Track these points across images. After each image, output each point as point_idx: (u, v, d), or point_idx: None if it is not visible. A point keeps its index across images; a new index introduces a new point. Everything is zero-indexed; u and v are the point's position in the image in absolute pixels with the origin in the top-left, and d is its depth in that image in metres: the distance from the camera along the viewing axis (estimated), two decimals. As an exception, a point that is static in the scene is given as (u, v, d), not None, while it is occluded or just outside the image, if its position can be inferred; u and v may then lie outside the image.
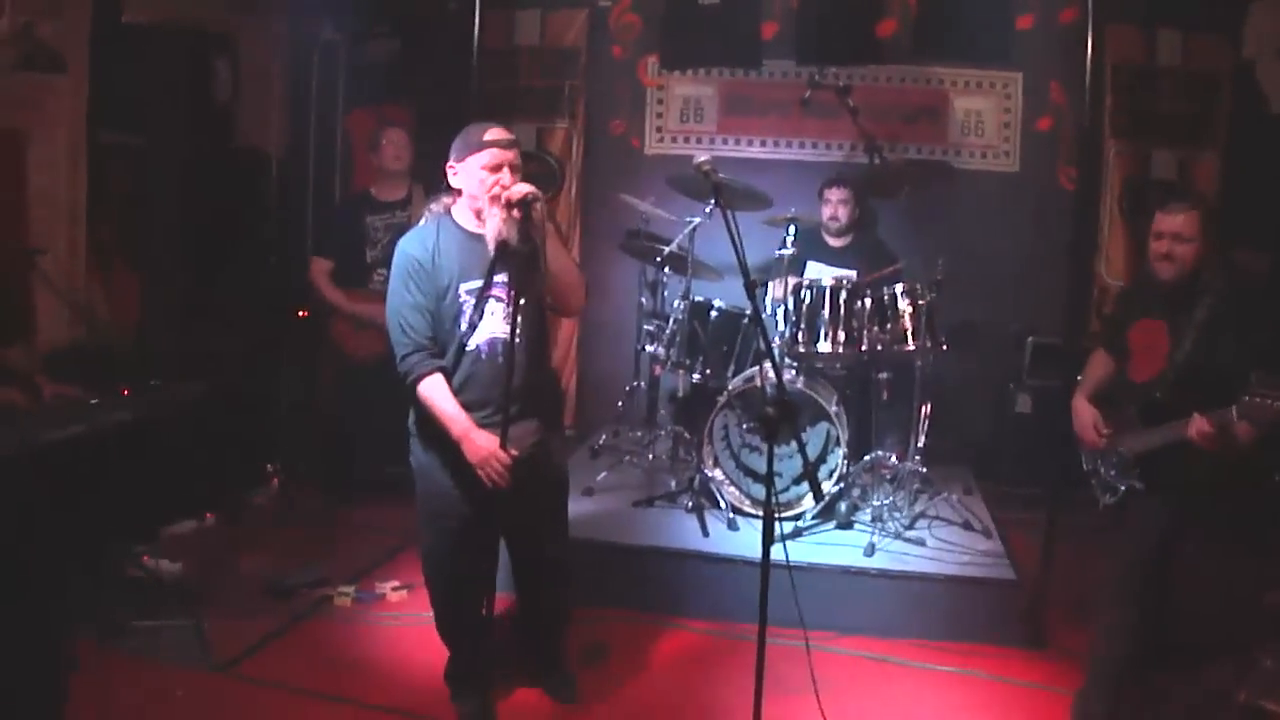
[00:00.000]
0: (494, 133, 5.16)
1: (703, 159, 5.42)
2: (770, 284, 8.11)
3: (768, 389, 7.27)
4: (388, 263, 8.06)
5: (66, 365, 7.40)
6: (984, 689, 6.38)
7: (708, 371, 8.09)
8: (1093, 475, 5.96)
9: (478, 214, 5.18)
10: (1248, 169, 9.34)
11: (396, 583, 7.36)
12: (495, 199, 5.03)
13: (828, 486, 7.69)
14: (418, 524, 5.57)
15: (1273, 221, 8.68)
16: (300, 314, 9.38)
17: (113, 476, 6.50)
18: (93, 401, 6.82)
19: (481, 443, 5.06)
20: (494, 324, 5.18)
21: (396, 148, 8.58)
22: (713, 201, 7.53)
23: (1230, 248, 6.34)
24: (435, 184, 8.15)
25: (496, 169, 5.08)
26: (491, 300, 5.17)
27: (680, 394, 8.60)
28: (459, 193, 5.28)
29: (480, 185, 5.11)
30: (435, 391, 5.15)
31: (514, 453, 5.07)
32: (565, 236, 10.19)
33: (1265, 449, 5.39)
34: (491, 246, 5.07)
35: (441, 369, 5.18)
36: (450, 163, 5.24)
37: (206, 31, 9.16)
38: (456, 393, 5.18)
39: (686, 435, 8.51)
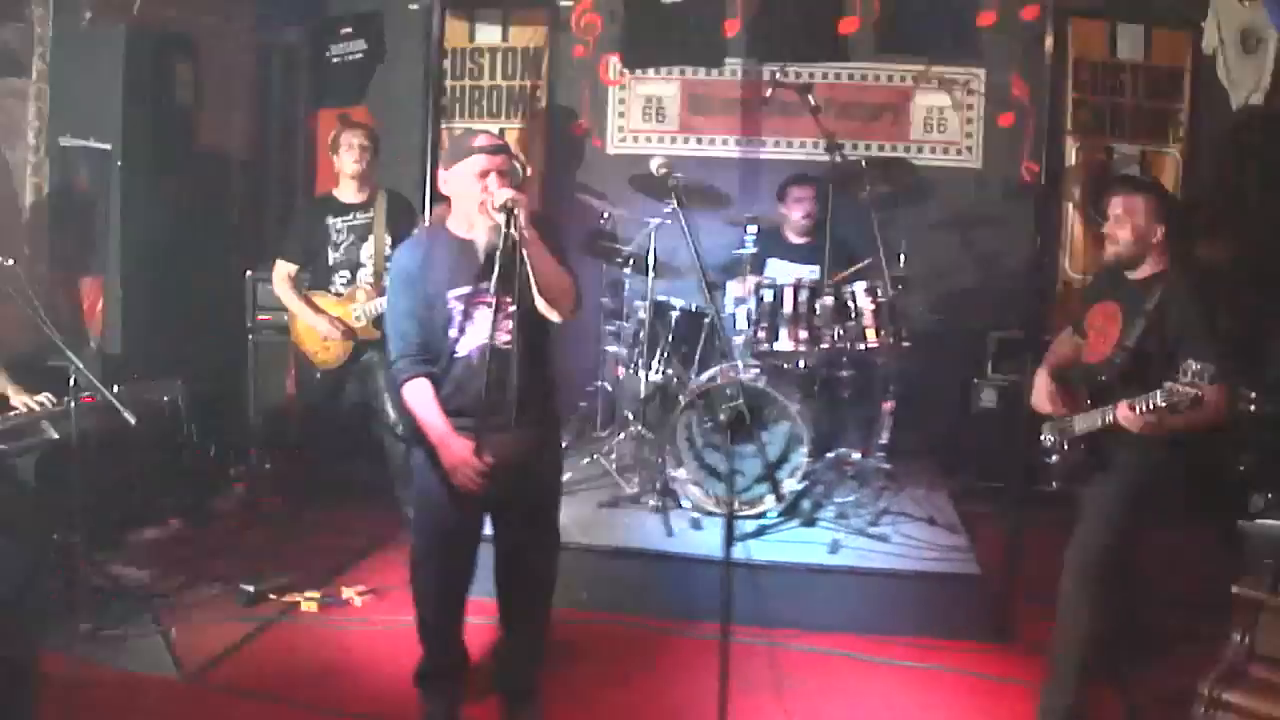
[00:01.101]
0: (482, 139, 5.19)
1: (660, 160, 5.47)
2: (731, 283, 8.12)
3: (728, 389, 7.30)
4: (349, 265, 8.13)
5: (29, 374, 7.37)
6: (950, 684, 6.39)
7: (669, 372, 8.11)
8: (1047, 454, 6.02)
9: (467, 220, 5.20)
10: (1209, 163, 9.38)
11: (362, 587, 7.30)
12: (483, 205, 5.03)
13: (791, 484, 7.67)
14: (412, 520, 5.64)
15: (1234, 214, 8.73)
16: (263, 318, 9.34)
17: (76, 484, 6.48)
18: (56, 409, 6.80)
19: (456, 449, 5.08)
20: (483, 330, 5.15)
21: (356, 150, 8.53)
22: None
23: (1193, 240, 6.39)
24: (398, 186, 8.20)
25: (484, 175, 5.08)
26: (482, 307, 5.17)
27: (643, 394, 8.55)
28: (449, 200, 5.30)
29: (469, 191, 5.12)
30: (417, 396, 5.20)
31: (489, 460, 5.06)
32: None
33: (1222, 439, 5.50)
34: (480, 253, 5.10)
35: (428, 375, 5.22)
36: (440, 170, 5.27)
37: (169, 34, 9.11)
38: (448, 399, 5.22)
39: (650, 436, 8.43)
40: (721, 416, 4.71)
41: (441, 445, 5.12)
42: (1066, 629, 5.70)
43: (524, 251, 4.99)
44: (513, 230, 4.95)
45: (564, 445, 9.04)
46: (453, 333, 5.19)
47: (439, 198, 5.42)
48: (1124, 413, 5.32)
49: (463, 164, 5.13)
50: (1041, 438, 6.08)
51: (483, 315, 5.16)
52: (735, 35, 10.07)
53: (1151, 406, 5.13)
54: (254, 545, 8.11)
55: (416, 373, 5.20)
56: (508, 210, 4.93)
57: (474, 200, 5.07)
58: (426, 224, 5.54)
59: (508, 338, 5.12)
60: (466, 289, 5.16)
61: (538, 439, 5.45)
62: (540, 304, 5.17)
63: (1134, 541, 5.71)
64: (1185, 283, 5.59)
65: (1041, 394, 6.06)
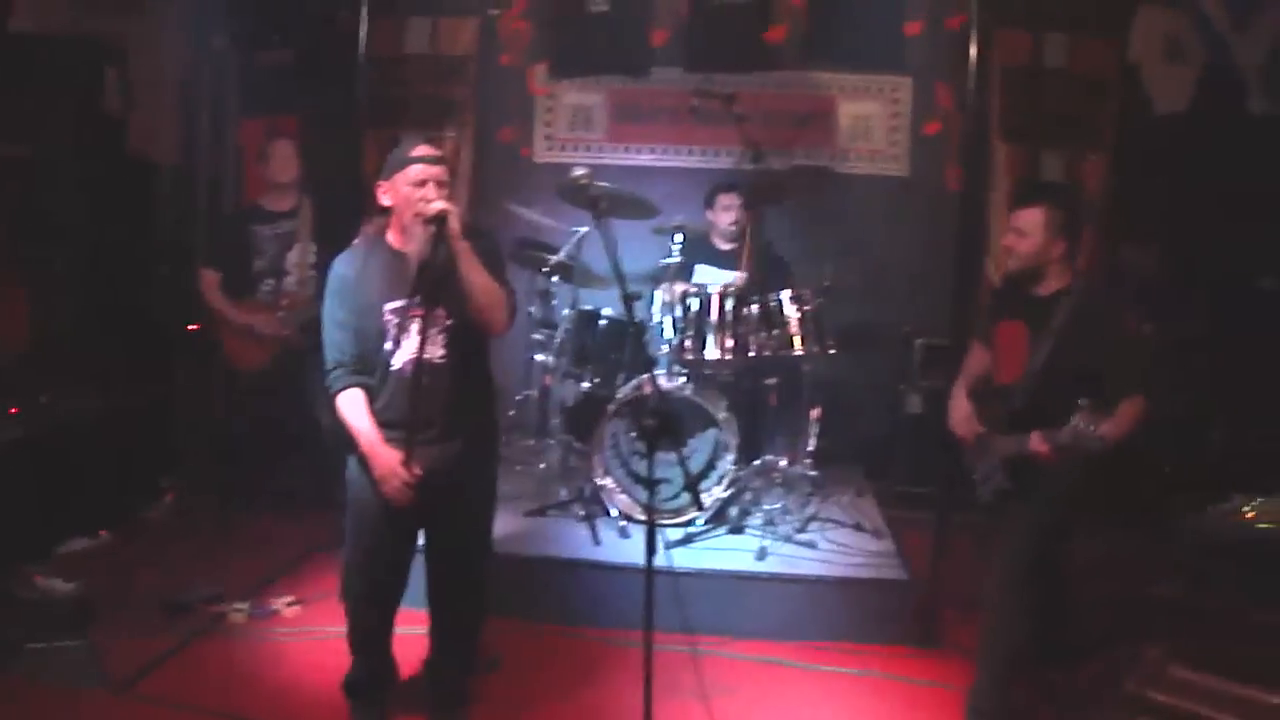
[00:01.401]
0: (420, 149, 5.23)
1: (580, 171, 5.55)
2: (657, 291, 8.14)
3: (655, 398, 7.31)
4: (275, 272, 8.19)
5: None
6: (879, 688, 6.44)
7: (596, 380, 8.11)
8: (972, 470, 6.11)
9: (404, 232, 5.24)
10: (1135, 169, 9.46)
11: (290, 598, 7.26)
12: (417, 215, 5.07)
13: (718, 492, 7.71)
14: (345, 530, 5.55)
15: (1159, 219, 8.83)
16: (192, 326, 9.29)
17: (4, 496, 6.44)
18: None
19: (385, 459, 5.12)
20: (417, 343, 5.16)
21: (283, 160, 8.52)
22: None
23: (1117, 244, 6.46)
24: (325, 193, 8.19)
25: (421, 184, 5.12)
26: (416, 320, 5.18)
27: (570, 403, 8.57)
28: (390, 212, 5.31)
29: (406, 202, 5.15)
30: (349, 407, 5.23)
31: (418, 471, 5.11)
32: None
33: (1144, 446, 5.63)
34: (413, 265, 5.14)
35: (361, 385, 5.24)
36: (380, 182, 5.28)
37: (97, 39, 9.03)
38: (382, 411, 5.24)
39: (577, 444, 8.42)
40: (643, 426, 4.69)
41: (371, 455, 5.15)
42: (993, 633, 5.76)
43: (457, 263, 5.05)
44: (444, 241, 5.02)
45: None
46: (388, 345, 5.21)
47: (377, 209, 5.43)
48: (1036, 445, 5.47)
49: (401, 174, 5.16)
50: (965, 460, 6.20)
51: (417, 328, 5.17)
52: (663, 44, 10.09)
53: (1060, 443, 5.28)
54: (183, 556, 8.03)
55: (350, 383, 5.22)
56: (439, 220, 4.99)
57: (411, 210, 5.10)
58: (363, 234, 5.55)
59: (442, 351, 5.18)
60: (401, 301, 5.17)
61: (471, 452, 5.48)
62: (472, 315, 5.21)
63: (1059, 548, 5.80)
64: (1093, 299, 5.69)
65: (959, 419, 6.16)
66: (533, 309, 8.95)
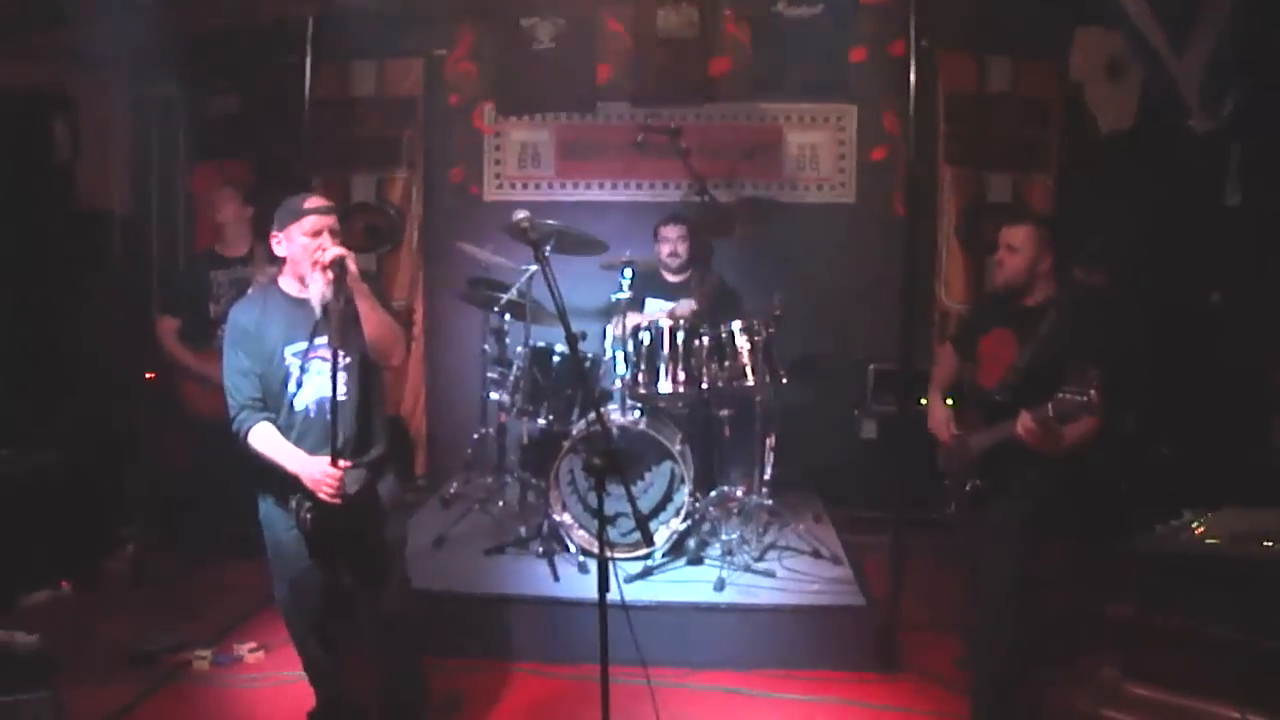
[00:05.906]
0: (313, 201, 5.37)
1: (520, 215, 5.67)
2: (609, 326, 8.17)
3: (611, 433, 7.35)
4: (231, 317, 8.13)
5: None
6: (840, 715, 6.45)
7: (551, 417, 8.13)
8: (946, 475, 6.38)
9: (301, 279, 5.37)
10: (1080, 188, 9.53)
11: (253, 644, 7.25)
12: (315, 263, 5.19)
13: (675, 524, 7.74)
14: (271, 572, 5.65)
15: (1105, 237, 8.86)
16: (148, 375, 9.28)
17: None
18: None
19: (314, 465, 5.23)
20: (320, 383, 5.33)
21: (227, 207, 8.56)
22: (547, 249, 7.51)
23: (1067, 264, 6.51)
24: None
25: (317, 234, 5.27)
26: (317, 360, 5.33)
27: (525, 440, 8.63)
28: (284, 261, 5.43)
29: (303, 251, 5.28)
30: (264, 438, 5.33)
31: (346, 465, 5.22)
32: (411, 285, 10.38)
33: (1104, 459, 5.81)
34: (316, 309, 5.26)
35: (268, 420, 5.34)
36: (274, 232, 5.41)
37: (43, 91, 9.03)
38: None
39: (534, 481, 8.50)
40: (591, 465, 4.73)
41: (301, 469, 5.24)
42: (993, 648, 5.90)
43: (355, 305, 5.22)
44: (342, 284, 5.18)
45: (452, 491, 9.07)
46: (291, 387, 5.36)
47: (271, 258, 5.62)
48: (1024, 422, 5.59)
49: (296, 225, 5.31)
50: (940, 464, 6.43)
51: (319, 369, 5.34)
52: (608, 80, 10.16)
53: (1049, 414, 5.39)
54: (145, 605, 8.00)
55: (260, 419, 5.34)
56: (338, 265, 5.14)
57: (308, 258, 5.25)
58: (257, 283, 5.63)
59: (344, 388, 5.29)
60: (302, 344, 5.32)
61: (377, 478, 5.59)
62: (371, 353, 5.38)
63: (1036, 559, 5.96)
64: (1075, 306, 5.95)
65: (939, 420, 6.39)
66: (487, 347, 8.97)
